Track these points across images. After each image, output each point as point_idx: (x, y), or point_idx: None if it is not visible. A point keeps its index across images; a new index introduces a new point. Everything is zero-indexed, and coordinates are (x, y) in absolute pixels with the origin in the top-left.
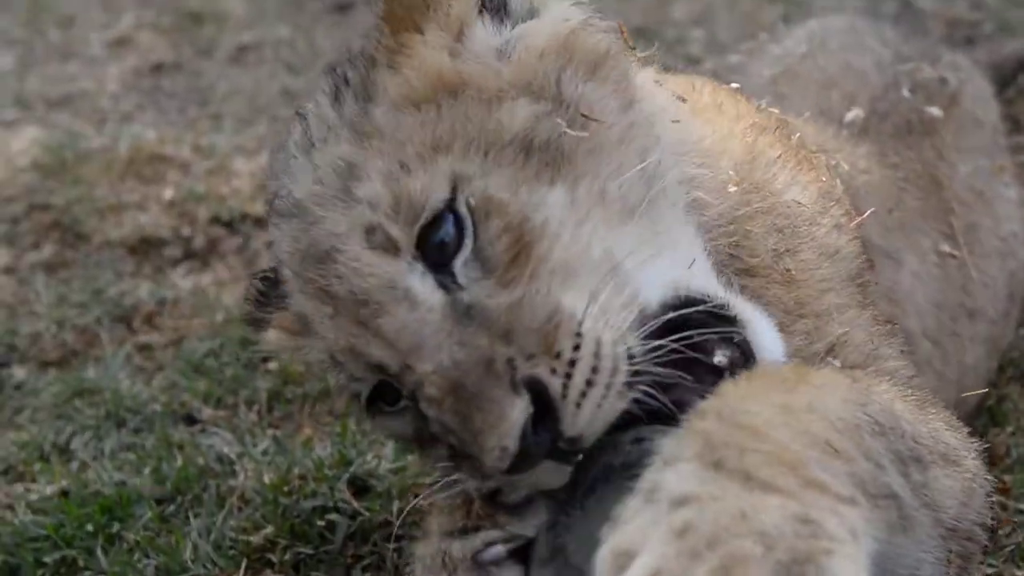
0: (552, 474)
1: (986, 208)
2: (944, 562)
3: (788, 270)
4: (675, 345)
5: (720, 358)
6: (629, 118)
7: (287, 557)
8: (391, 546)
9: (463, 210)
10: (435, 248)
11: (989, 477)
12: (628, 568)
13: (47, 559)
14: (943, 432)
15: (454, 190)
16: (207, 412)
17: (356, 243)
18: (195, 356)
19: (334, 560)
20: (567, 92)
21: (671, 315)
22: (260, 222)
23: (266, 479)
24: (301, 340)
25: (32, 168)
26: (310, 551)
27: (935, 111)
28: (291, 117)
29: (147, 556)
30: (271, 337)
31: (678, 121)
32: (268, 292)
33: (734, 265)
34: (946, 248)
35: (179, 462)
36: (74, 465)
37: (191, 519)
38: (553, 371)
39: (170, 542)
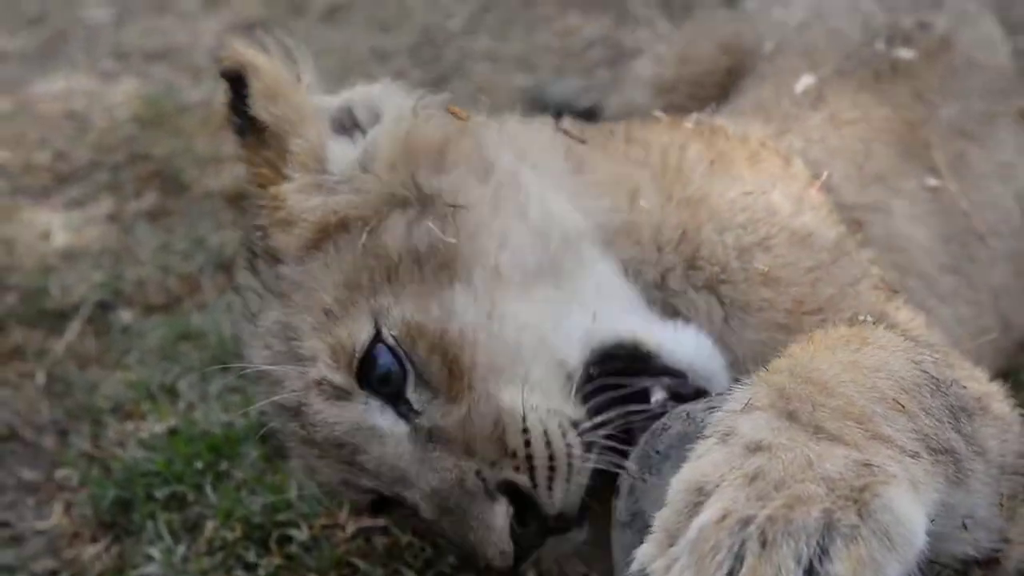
0: (564, 543)
1: (975, 142)
2: (996, 504)
3: (763, 271)
4: (611, 415)
5: (658, 397)
6: (492, 185)
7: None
8: None
9: (391, 343)
10: (382, 382)
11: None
12: (701, 507)
13: (157, 493)
14: (971, 381)
15: (376, 325)
16: None
17: (314, 398)
18: None
19: None
20: (427, 190)
21: (593, 372)
22: None
23: None
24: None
25: (132, 120)
26: None
27: (904, 53)
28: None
29: (254, 493)
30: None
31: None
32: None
33: (702, 278)
34: (933, 182)
35: None
36: (181, 405)
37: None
38: (517, 468)
39: (276, 481)
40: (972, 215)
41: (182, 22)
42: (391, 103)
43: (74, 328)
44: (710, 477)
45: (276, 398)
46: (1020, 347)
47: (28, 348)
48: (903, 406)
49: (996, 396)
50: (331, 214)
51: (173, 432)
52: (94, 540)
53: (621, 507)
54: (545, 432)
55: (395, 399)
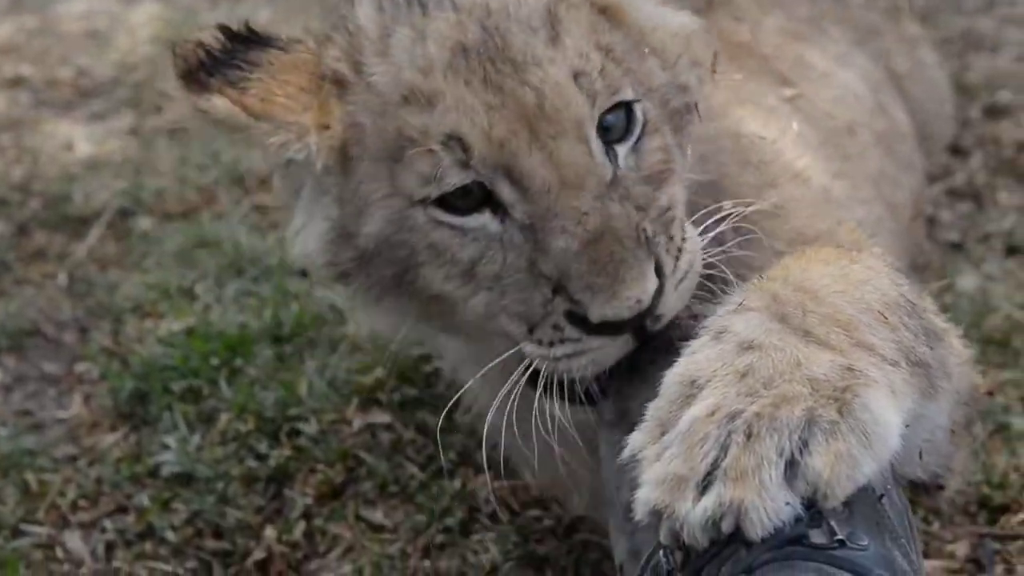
0: (616, 348)
1: (809, 43)
2: (949, 430)
3: (778, 205)
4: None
5: None
6: None
7: (395, 397)
8: None
9: (639, 112)
10: (608, 127)
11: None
12: (693, 399)
13: (174, 387)
14: (934, 314)
15: (635, 92)
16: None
17: (563, 74)
18: None
19: (437, 401)
20: None
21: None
22: None
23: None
24: (263, 126)
25: (152, 41)
26: (415, 392)
27: None
28: None
29: (266, 389)
30: (220, 107)
31: None
32: (230, 53)
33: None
34: (788, 92)
35: (295, 309)
36: (198, 306)
37: (306, 359)
38: (667, 251)
39: (288, 378)
40: (833, 112)
41: None
42: None
43: (95, 233)
44: (703, 371)
45: (492, 37)
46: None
47: (51, 251)
48: (886, 318)
49: (952, 331)
50: None
51: (190, 331)
52: (112, 429)
53: (608, 407)
54: (694, 239)
55: (607, 144)
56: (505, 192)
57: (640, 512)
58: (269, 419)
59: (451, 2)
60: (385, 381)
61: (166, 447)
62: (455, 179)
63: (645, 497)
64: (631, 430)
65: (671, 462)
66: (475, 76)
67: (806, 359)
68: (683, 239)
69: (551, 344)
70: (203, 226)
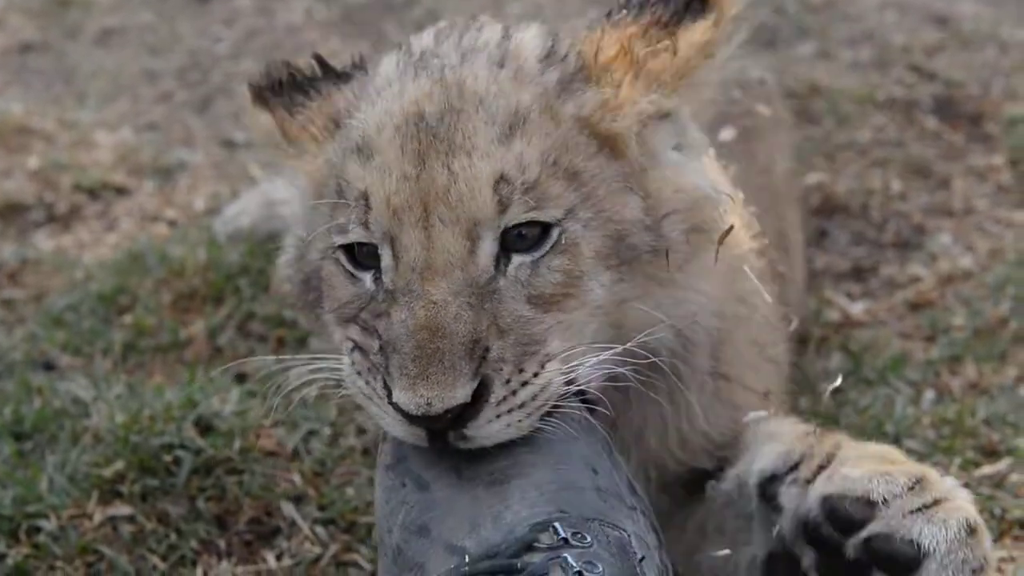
0: (405, 433)
1: (791, 205)
2: None
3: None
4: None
5: None
6: None
7: (136, 489)
8: (232, 479)
9: (555, 234)
10: (515, 236)
11: None
12: None
13: None
14: None
15: (566, 216)
16: (65, 360)
17: (486, 172)
18: (55, 310)
19: (179, 492)
20: None
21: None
22: (120, 190)
23: (118, 419)
24: (290, 152)
25: None
26: (157, 483)
27: (764, 109)
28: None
29: (4, 487)
30: (262, 121)
31: None
32: (300, 86)
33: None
34: (782, 269)
35: (37, 404)
36: None
37: (47, 455)
38: (507, 381)
39: (27, 475)
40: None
41: None
42: None
43: None
44: None
45: (444, 118)
46: None
47: None
48: None
49: None
50: None
51: None
52: None
53: (387, 450)
54: (550, 381)
55: (504, 248)
56: (386, 258)
57: None
58: (7, 517)
59: (440, 72)
60: (126, 473)
61: None
62: (355, 236)
63: None
64: (406, 474)
65: None
66: (412, 144)
67: None
68: (535, 375)
69: (359, 374)
70: None
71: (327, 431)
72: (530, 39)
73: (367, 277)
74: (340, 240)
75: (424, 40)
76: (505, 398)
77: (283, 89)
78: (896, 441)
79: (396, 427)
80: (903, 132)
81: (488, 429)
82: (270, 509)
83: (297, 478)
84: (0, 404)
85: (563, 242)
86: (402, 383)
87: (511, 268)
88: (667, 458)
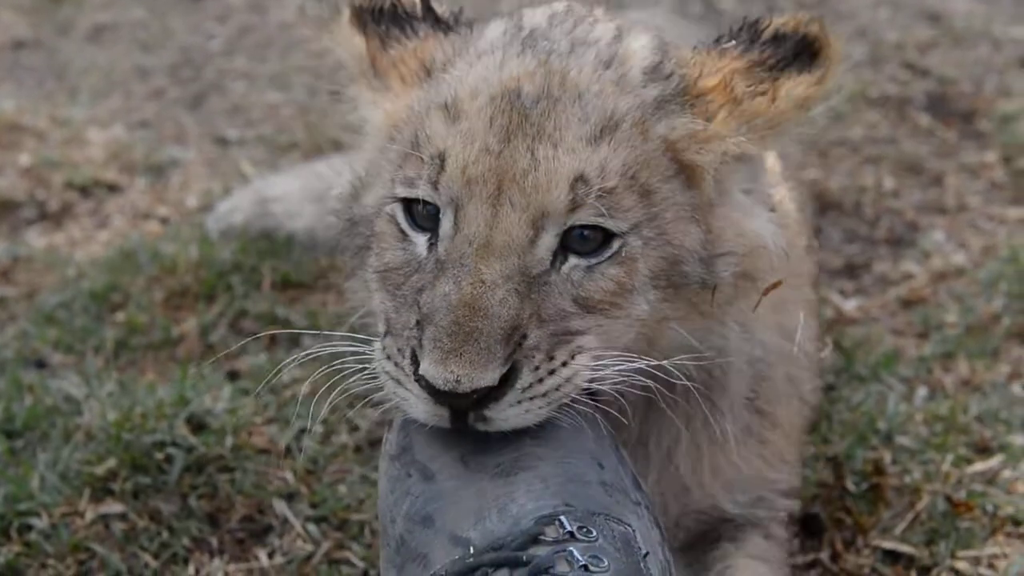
0: (426, 411)
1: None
2: None
3: None
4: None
5: None
6: None
7: (127, 486)
8: (224, 477)
9: (616, 244)
10: (577, 236)
11: None
12: None
13: None
14: None
15: (631, 229)
16: (57, 358)
17: (568, 168)
18: (47, 307)
19: (171, 490)
20: None
21: None
22: (112, 188)
23: (110, 416)
24: (374, 84)
25: None
26: (149, 481)
27: None
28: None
29: None
30: (355, 44)
31: None
32: (399, 20)
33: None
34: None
35: (28, 401)
36: None
37: (38, 453)
38: (536, 368)
39: (18, 473)
40: None
41: None
42: None
43: None
44: None
45: (539, 103)
46: None
47: None
48: None
49: None
50: None
51: None
52: None
53: (392, 440)
54: (578, 372)
55: (564, 246)
56: (446, 225)
57: None
58: None
59: (547, 55)
60: (118, 470)
61: None
62: (422, 192)
63: None
64: (411, 464)
65: None
66: (502, 118)
67: None
68: (563, 364)
69: (388, 357)
70: None
71: (319, 428)
72: (640, 47)
73: (422, 241)
74: (403, 192)
75: (537, 18)
76: (531, 385)
77: (382, 18)
78: (888, 438)
79: (419, 406)
80: (896, 129)
81: (507, 413)
82: (262, 507)
83: (289, 476)
84: None
85: (622, 254)
86: (434, 355)
87: (566, 267)
88: (694, 488)
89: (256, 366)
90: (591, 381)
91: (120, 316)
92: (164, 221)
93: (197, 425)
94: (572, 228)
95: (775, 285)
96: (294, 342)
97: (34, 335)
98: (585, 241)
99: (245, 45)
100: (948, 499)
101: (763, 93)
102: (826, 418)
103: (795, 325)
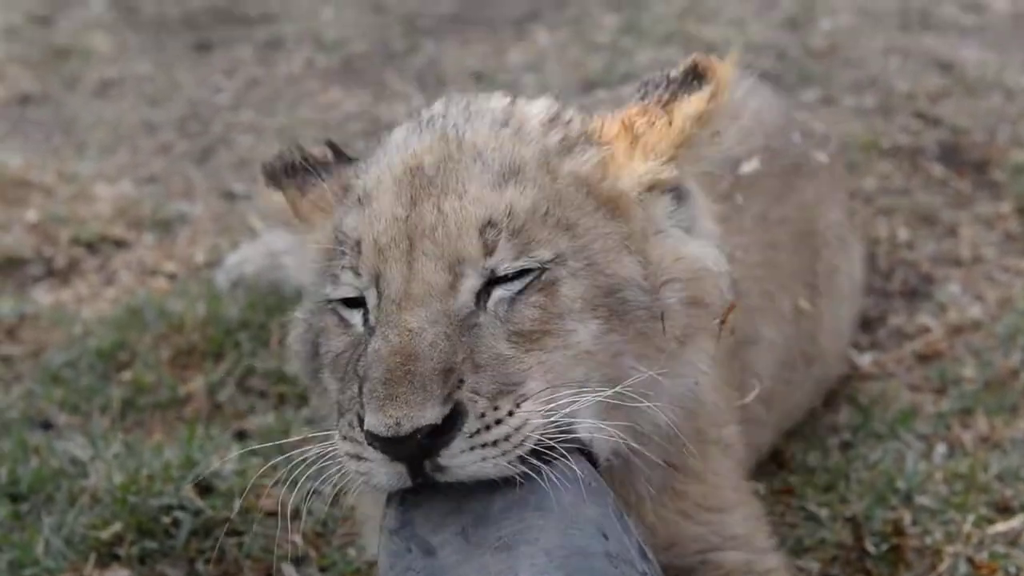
0: (388, 475)
1: (845, 253)
2: None
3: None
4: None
5: None
6: None
7: (134, 551)
8: (232, 541)
9: (538, 272)
10: (499, 277)
11: None
12: None
13: None
14: None
15: (554, 260)
16: (63, 418)
17: (476, 215)
18: (53, 366)
19: (178, 554)
20: None
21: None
22: (120, 243)
23: (116, 479)
24: (301, 228)
25: None
26: (155, 546)
27: (822, 156)
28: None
29: (0, 551)
30: (275, 200)
31: None
32: (310, 170)
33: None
34: (804, 304)
35: (34, 464)
36: None
37: (43, 516)
38: (482, 415)
39: (23, 538)
40: (819, 338)
41: None
42: None
43: None
44: None
45: (447, 157)
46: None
47: None
48: None
49: None
50: None
51: None
52: None
53: (391, 514)
54: (526, 420)
55: (486, 285)
56: (371, 299)
57: None
58: None
59: (443, 130)
60: (124, 535)
61: None
62: (345, 283)
63: None
64: (412, 539)
65: None
66: (407, 191)
67: None
68: (509, 413)
69: (344, 437)
70: None
71: (328, 490)
72: (536, 105)
73: (357, 318)
74: (333, 293)
75: (435, 108)
76: (479, 431)
77: (296, 171)
78: (908, 498)
79: (379, 471)
80: (909, 180)
81: (462, 459)
82: (271, 571)
83: (298, 539)
84: None
85: (542, 279)
86: (371, 406)
87: (491, 303)
88: (661, 533)
89: (264, 426)
90: (550, 426)
91: (127, 375)
92: (172, 277)
93: (204, 488)
94: (496, 276)
95: (730, 309)
96: (303, 400)
97: (40, 395)
98: (506, 277)
99: (253, 98)
100: (970, 561)
101: (660, 120)
102: (844, 477)
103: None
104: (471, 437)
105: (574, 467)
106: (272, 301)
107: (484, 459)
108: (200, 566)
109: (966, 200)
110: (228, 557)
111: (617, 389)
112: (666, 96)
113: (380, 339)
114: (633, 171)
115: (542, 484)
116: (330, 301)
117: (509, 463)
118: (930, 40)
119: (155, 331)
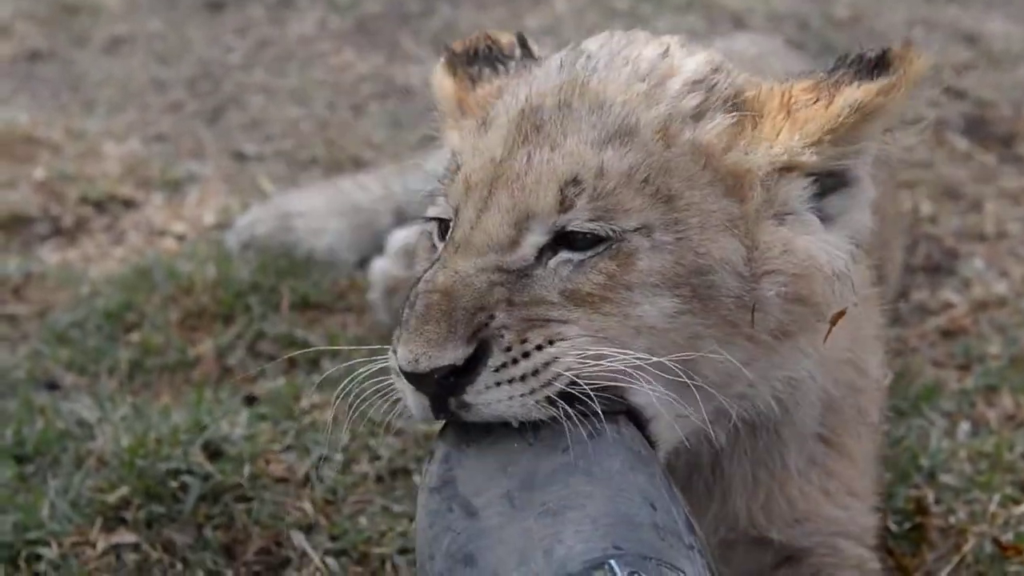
0: (414, 403)
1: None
2: None
3: None
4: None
5: None
6: None
7: (141, 515)
8: (240, 507)
9: (615, 241)
10: (572, 237)
11: None
12: None
13: None
14: None
15: (638, 230)
16: (69, 379)
17: (559, 169)
18: (59, 326)
19: (186, 519)
20: None
21: None
22: (128, 203)
23: (123, 442)
24: (456, 121)
25: None
26: (163, 510)
27: None
28: None
29: (4, 512)
30: (445, 86)
31: None
32: (492, 60)
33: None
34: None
35: (40, 425)
36: None
37: (49, 479)
38: (508, 348)
39: (28, 500)
40: None
41: None
42: None
43: None
44: None
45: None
46: None
47: None
48: None
49: None
50: None
51: None
52: None
53: (433, 471)
54: (556, 358)
55: (557, 240)
56: (449, 227)
57: None
58: (7, 544)
59: (580, 71)
60: (131, 498)
61: None
62: (440, 206)
63: None
64: (453, 498)
65: None
66: (515, 133)
67: None
68: (538, 348)
69: (393, 351)
70: None
71: (339, 457)
72: (693, 60)
73: (440, 248)
74: (430, 212)
75: (591, 43)
76: (504, 365)
77: (476, 59)
78: (931, 475)
79: (409, 400)
80: (933, 153)
81: (487, 397)
82: (280, 538)
83: (308, 506)
84: (1, 425)
85: (617, 249)
86: (403, 339)
87: (553, 261)
88: (743, 522)
89: (274, 390)
90: (579, 376)
91: (135, 336)
92: (181, 238)
93: (213, 452)
94: (566, 231)
95: (840, 314)
96: (314, 365)
97: (46, 355)
98: (581, 239)
99: (264, 58)
100: (995, 541)
101: (820, 100)
102: None
103: (866, 356)
104: (496, 372)
105: (622, 429)
106: (283, 264)
107: (511, 397)
108: (208, 532)
109: (991, 174)
110: (236, 523)
111: (664, 360)
112: (846, 77)
113: (430, 275)
114: (769, 148)
115: (589, 449)
116: (427, 219)
117: (537, 403)
118: (954, 11)
119: (164, 292)
